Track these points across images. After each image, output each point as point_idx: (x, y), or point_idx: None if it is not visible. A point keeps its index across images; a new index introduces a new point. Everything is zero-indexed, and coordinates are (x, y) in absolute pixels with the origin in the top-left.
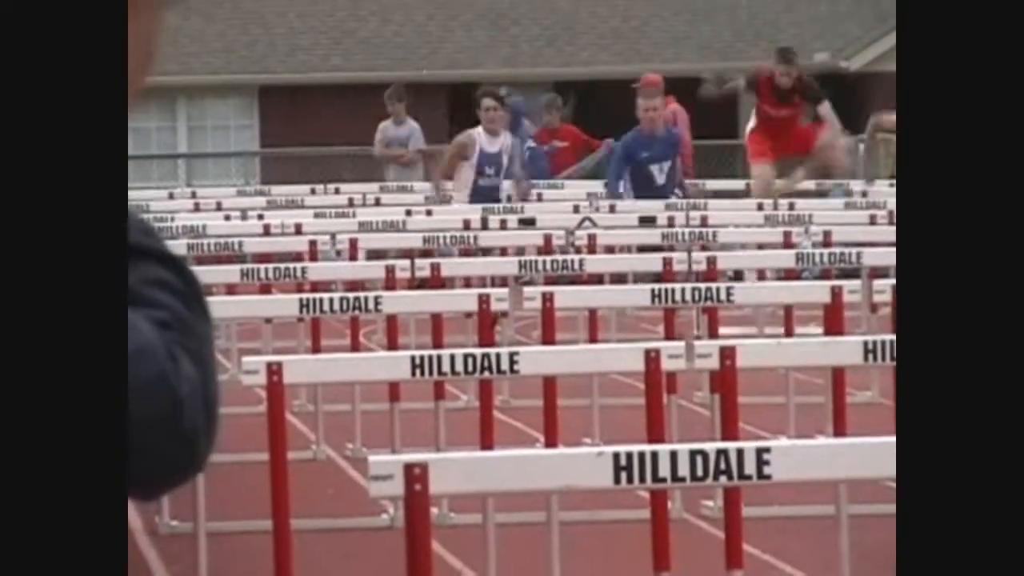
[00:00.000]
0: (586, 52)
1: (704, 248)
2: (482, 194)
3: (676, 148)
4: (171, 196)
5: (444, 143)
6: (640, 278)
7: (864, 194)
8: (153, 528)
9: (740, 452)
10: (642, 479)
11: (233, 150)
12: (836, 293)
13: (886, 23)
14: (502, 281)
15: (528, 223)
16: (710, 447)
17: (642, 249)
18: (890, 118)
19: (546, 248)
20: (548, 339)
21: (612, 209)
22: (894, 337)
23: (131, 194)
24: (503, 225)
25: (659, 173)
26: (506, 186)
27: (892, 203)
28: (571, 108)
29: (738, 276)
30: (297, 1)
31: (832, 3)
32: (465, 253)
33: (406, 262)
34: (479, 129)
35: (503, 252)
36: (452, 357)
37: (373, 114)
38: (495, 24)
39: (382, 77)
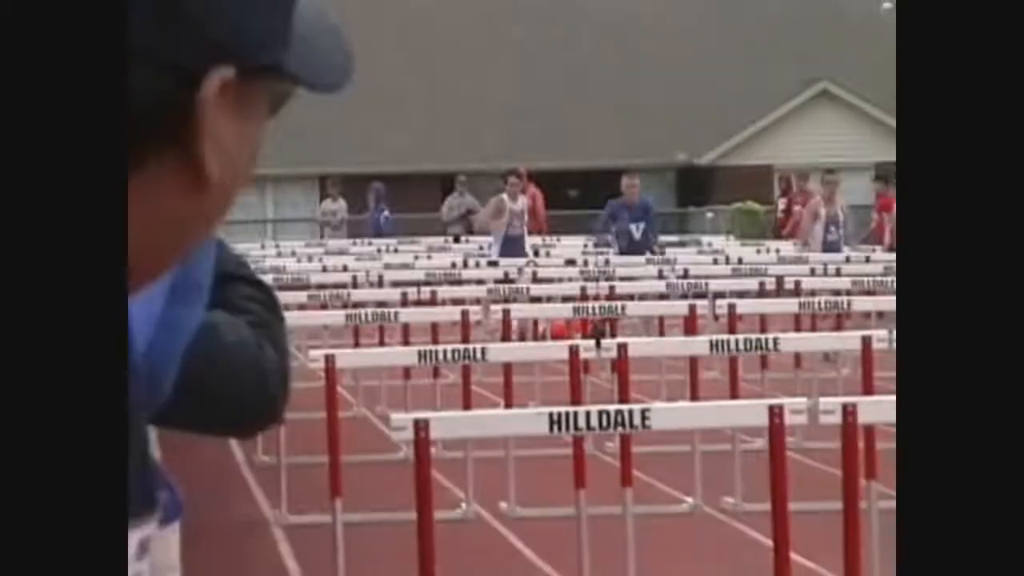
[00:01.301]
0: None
1: (608, 279)
2: (511, 240)
3: (649, 214)
4: (262, 247)
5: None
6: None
7: (710, 244)
8: (251, 461)
9: (631, 411)
10: (567, 428)
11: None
12: (692, 308)
13: (727, 129)
14: (476, 300)
15: (493, 264)
16: (612, 408)
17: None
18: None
19: (505, 280)
20: (506, 338)
21: (548, 254)
22: (732, 336)
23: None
24: (477, 265)
25: (636, 231)
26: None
27: (730, 251)
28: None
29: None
30: None
31: (689, 115)
32: (453, 282)
33: (414, 288)
34: (504, 195)
35: (478, 282)
36: (446, 352)
37: None
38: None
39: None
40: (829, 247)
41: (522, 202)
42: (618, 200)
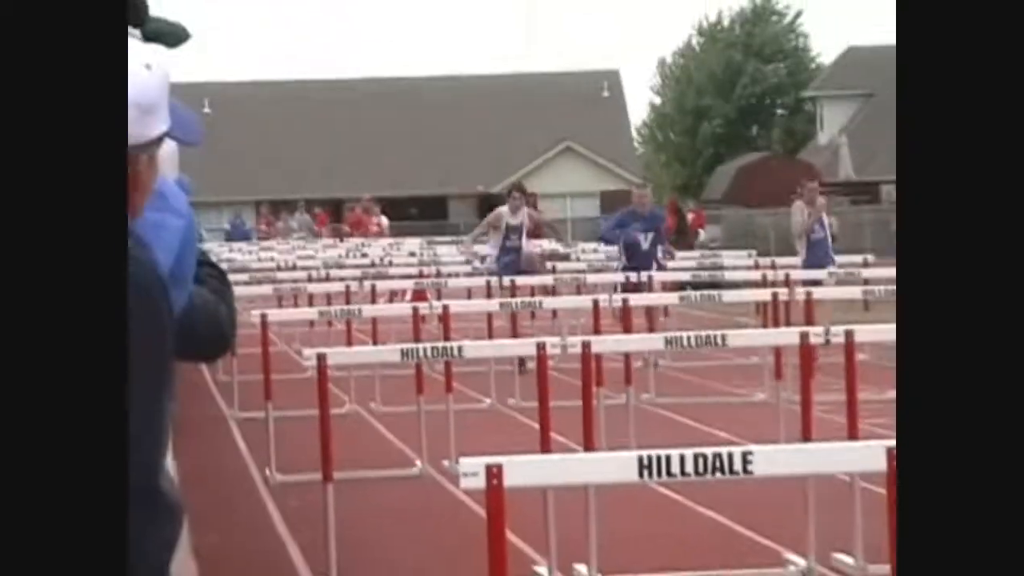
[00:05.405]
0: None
1: (435, 264)
2: (508, 252)
3: (659, 222)
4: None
5: None
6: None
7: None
8: (215, 378)
9: (451, 346)
10: (412, 356)
11: None
12: (488, 283)
13: (509, 170)
14: (354, 279)
15: (364, 255)
16: (439, 343)
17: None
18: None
19: (371, 266)
20: (373, 302)
21: (397, 249)
22: (513, 299)
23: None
24: (354, 256)
25: (644, 240)
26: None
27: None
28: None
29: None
30: None
31: (484, 159)
32: (340, 267)
33: (316, 271)
34: (505, 208)
35: (355, 267)
36: (336, 311)
37: None
38: None
39: None
40: (814, 244)
41: (521, 216)
42: (627, 208)
